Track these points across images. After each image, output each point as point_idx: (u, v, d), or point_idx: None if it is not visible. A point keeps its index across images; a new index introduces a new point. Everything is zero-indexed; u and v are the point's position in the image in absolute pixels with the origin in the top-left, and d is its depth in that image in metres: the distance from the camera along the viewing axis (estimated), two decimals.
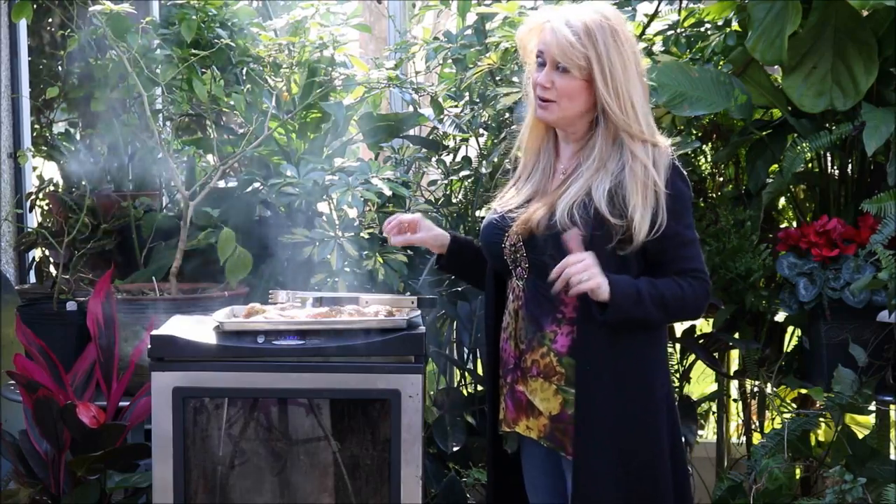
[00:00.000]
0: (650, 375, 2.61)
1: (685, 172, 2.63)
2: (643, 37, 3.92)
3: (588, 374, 2.56)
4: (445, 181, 3.89)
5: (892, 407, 3.73)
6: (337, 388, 2.74)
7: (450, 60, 3.90)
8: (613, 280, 2.49)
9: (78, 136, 4.62)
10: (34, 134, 4.61)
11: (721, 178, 4.16)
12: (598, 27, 2.53)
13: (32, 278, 4.20)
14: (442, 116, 3.88)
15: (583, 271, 2.46)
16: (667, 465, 2.61)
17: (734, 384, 4.23)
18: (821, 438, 4.01)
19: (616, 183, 2.53)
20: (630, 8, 3.72)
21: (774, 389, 3.87)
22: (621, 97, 2.54)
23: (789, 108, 3.83)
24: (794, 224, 4.09)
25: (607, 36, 2.53)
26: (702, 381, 4.79)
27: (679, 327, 4.12)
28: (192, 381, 2.73)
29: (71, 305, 3.75)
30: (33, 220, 4.20)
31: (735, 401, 4.28)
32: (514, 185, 2.75)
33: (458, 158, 3.94)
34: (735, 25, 3.99)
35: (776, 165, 3.90)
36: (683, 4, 4.02)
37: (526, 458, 2.80)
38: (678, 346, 3.96)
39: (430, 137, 4.06)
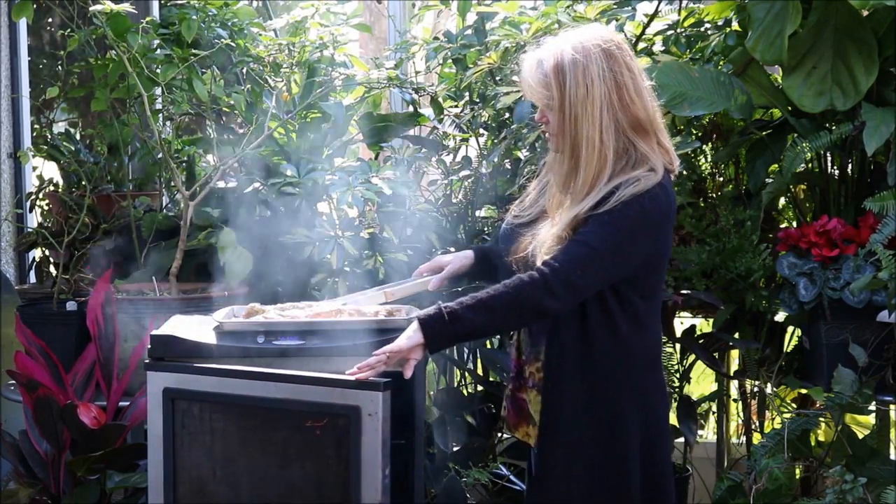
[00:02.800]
0: (623, 401, 2.56)
1: (656, 207, 2.47)
2: (643, 37, 3.92)
3: (554, 393, 2.57)
4: (445, 181, 3.88)
5: (892, 407, 3.73)
6: (298, 400, 2.59)
7: (450, 60, 3.90)
8: (423, 314, 2.47)
9: (78, 136, 4.62)
10: (34, 134, 4.61)
11: (721, 178, 4.16)
12: (568, 64, 2.46)
13: (32, 278, 4.20)
14: (442, 116, 3.88)
15: (374, 363, 2.46)
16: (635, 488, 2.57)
17: (734, 384, 4.23)
18: (821, 438, 4.01)
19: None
20: (630, 8, 3.72)
21: (774, 389, 3.87)
22: (579, 134, 2.46)
23: (789, 108, 3.83)
24: (794, 224, 4.09)
25: (578, 74, 2.46)
26: (702, 381, 4.79)
27: (679, 327, 4.12)
28: (182, 383, 2.68)
29: (71, 305, 3.75)
30: (33, 220, 4.19)
31: (735, 401, 4.28)
32: (532, 190, 2.73)
33: (458, 158, 3.94)
34: (735, 25, 3.98)
35: (776, 165, 3.90)
36: (683, 4, 4.02)
37: (529, 463, 2.80)
38: (678, 346, 3.96)
39: (430, 137, 4.06)
